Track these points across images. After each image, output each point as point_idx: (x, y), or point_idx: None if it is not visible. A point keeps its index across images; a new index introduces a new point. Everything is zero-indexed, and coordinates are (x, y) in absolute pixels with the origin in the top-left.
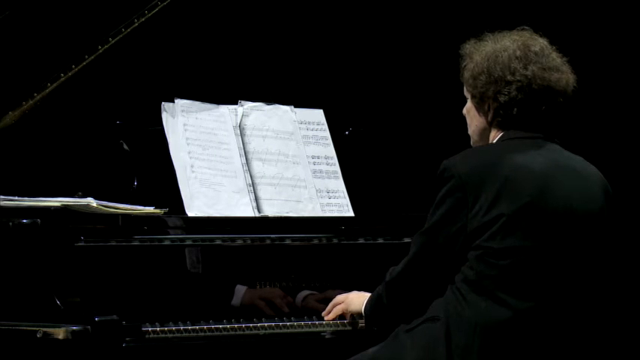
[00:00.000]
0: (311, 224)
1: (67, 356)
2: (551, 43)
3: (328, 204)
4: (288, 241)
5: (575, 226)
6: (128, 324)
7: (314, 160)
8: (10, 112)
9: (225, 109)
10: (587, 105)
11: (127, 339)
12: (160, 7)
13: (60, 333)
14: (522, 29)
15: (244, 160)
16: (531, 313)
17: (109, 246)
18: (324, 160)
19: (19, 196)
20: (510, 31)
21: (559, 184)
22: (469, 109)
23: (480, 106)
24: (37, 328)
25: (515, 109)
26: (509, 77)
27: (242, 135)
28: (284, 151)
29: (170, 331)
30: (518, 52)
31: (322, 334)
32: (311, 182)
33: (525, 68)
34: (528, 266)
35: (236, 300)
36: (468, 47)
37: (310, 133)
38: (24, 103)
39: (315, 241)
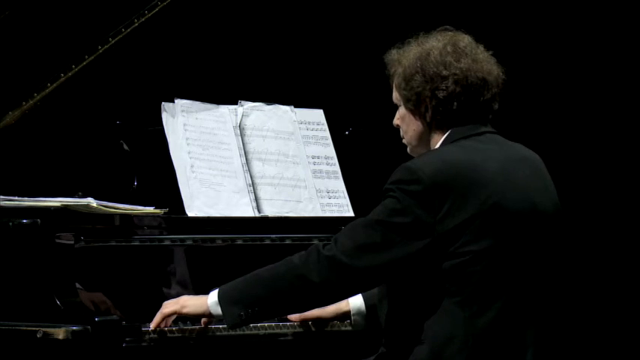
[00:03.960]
0: (311, 224)
1: (67, 356)
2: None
3: (328, 204)
4: (288, 241)
5: (540, 220)
6: (128, 324)
7: (314, 160)
8: (10, 112)
9: (225, 109)
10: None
11: (127, 339)
12: (160, 7)
13: (60, 333)
14: (444, 29)
15: (244, 160)
16: (518, 307)
17: (109, 246)
18: (324, 160)
19: (19, 196)
20: (431, 32)
21: (519, 180)
22: (403, 116)
23: (416, 109)
24: (37, 328)
25: (455, 103)
26: (444, 72)
27: (242, 135)
28: (284, 151)
29: (170, 331)
30: (448, 48)
31: (323, 334)
32: (311, 182)
33: (458, 61)
34: (506, 264)
35: None
36: (394, 53)
37: (310, 133)
38: (24, 103)
39: (316, 241)
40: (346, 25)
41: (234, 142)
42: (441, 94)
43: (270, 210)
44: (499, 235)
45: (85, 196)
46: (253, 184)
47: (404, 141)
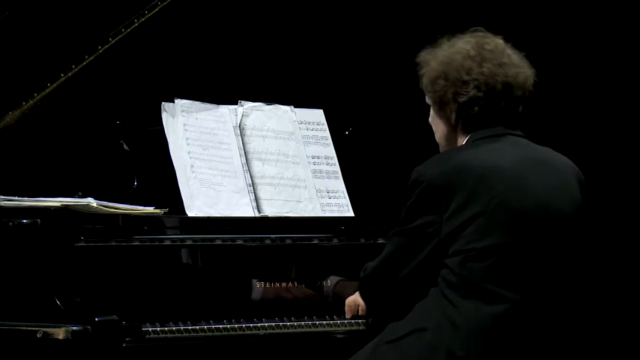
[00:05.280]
0: (311, 224)
1: (67, 356)
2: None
3: (328, 204)
4: (288, 241)
5: (554, 221)
6: (128, 324)
7: (314, 160)
8: (10, 112)
9: (225, 109)
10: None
11: (127, 339)
12: (160, 7)
13: (60, 333)
14: (475, 30)
15: (244, 160)
16: (522, 306)
17: (109, 246)
18: (324, 160)
19: (19, 196)
20: (463, 34)
21: (532, 180)
22: (433, 117)
23: (441, 111)
24: (37, 328)
25: (476, 107)
26: (465, 77)
27: (242, 135)
28: (284, 151)
29: (170, 331)
30: (472, 52)
31: (322, 333)
32: (311, 182)
33: (481, 66)
34: (514, 260)
35: (260, 299)
36: (424, 54)
37: (310, 133)
38: (24, 103)
39: (315, 241)
40: (346, 25)
41: (234, 142)
42: (461, 99)
43: (270, 210)
44: (505, 233)
45: (85, 196)
46: (253, 184)
47: (436, 139)
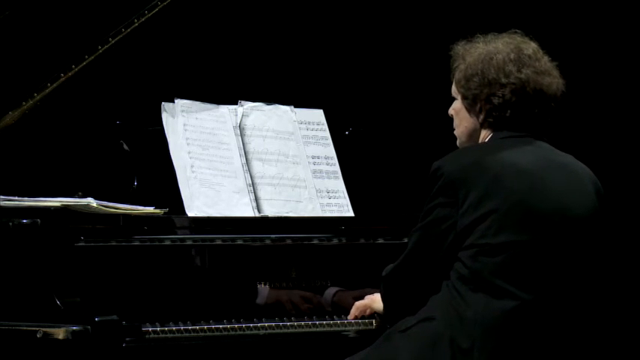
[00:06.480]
0: (311, 224)
1: (67, 356)
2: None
3: (328, 204)
4: (288, 241)
5: (569, 224)
6: (128, 324)
7: (314, 160)
8: (10, 112)
9: (225, 109)
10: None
11: (127, 339)
12: (160, 7)
13: (60, 333)
14: (514, 32)
15: (244, 160)
16: (531, 305)
17: (109, 246)
18: (324, 160)
19: (19, 196)
20: (501, 34)
21: (550, 182)
22: (458, 110)
23: (471, 108)
24: (37, 328)
25: (509, 111)
26: (503, 80)
27: (242, 135)
28: (284, 151)
29: (170, 331)
30: (512, 55)
31: (322, 333)
32: (311, 182)
33: (519, 71)
34: (526, 259)
35: (260, 299)
36: (459, 48)
37: (310, 133)
38: (24, 103)
39: (315, 241)
40: (346, 25)
41: (234, 142)
42: (496, 101)
43: (270, 210)
44: (520, 231)
45: (85, 196)
46: (253, 184)
47: (455, 133)
